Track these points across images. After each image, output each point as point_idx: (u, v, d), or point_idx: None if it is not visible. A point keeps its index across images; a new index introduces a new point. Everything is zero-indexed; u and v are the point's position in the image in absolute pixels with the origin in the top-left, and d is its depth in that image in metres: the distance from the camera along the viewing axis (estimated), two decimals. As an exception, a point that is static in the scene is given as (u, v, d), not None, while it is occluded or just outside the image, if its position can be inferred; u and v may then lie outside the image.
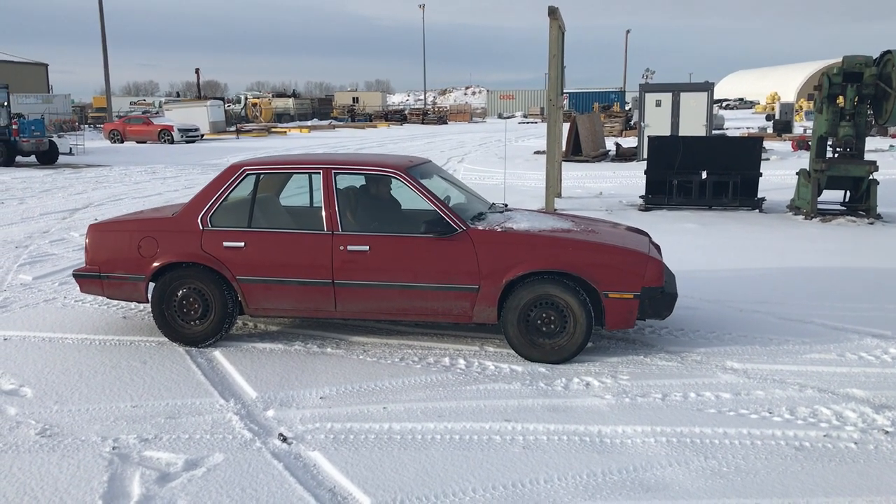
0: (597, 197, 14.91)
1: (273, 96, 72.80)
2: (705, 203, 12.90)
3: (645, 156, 17.18)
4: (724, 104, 73.82)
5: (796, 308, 6.67)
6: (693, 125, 20.80)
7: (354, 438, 4.22)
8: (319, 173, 5.83)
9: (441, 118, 63.13)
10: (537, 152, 25.26)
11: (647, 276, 5.33)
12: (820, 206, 12.00)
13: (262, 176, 5.98)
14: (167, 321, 5.85)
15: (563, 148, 22.70)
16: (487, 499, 3.57)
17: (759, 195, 12.93)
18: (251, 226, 5.79)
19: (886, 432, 4.20)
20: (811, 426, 4.30)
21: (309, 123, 57.51)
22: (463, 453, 4.03)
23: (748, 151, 12.98)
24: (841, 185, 12.02)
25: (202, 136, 39.10)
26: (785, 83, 77.82)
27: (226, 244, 5.72)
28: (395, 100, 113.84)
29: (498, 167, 21.37)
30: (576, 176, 18.54)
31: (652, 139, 13.48)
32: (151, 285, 5.95)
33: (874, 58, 11.48)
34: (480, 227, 5.57)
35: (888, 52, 11.17)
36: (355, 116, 66.51)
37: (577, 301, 5.31)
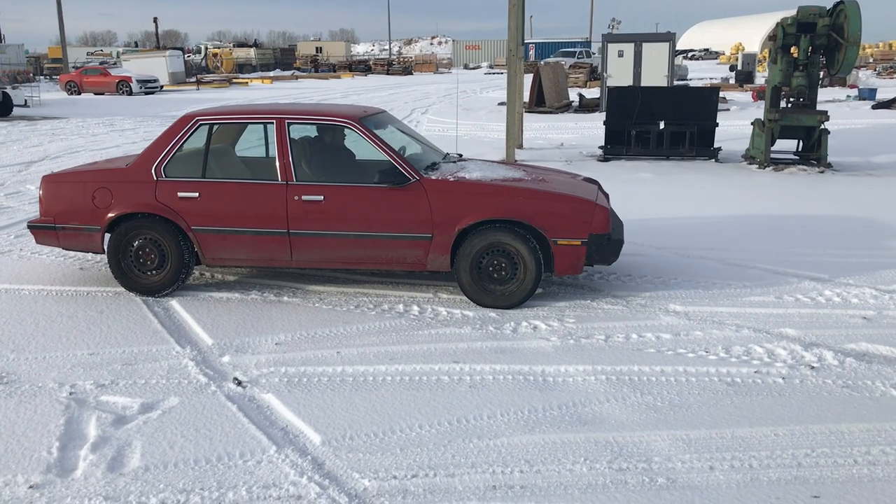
0: (558, 148, 15.02)
1: (234, 46, 71.36)
2: (663, 153, 13.09)
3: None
4: (690, 55, 73.92)
5: (741, 254, 6.90)
6: (655, 76, 20.89)
7: (308, 381, 4.36)
8: (273, 123, 5.84)
9: (406, 69, 62.47)
10: (501, 104, 25.23)
11: (593, 223, 5.48)
12: (773, 156, 12.24)
13: (215, 126, 5.98)
14: (124, 271, 5.89)
15: (527, 99, 22.73)
16: (433, 434, 3.74)
17: (717, 145, 13.14)
18: (205, 176, 5.80)
19: (812, 368, 4.44)
20: (744, 363, 4.53)
21: (271, 74, 56.61)
22: (412, 393, 4.19)
23: (705, 102, 13.14)
24: (794, 135, 12.26)
25: (161, 87, 38.35)
26: (750, 34, 78.03)
27: (180, 194, 5.74)
28: (360, 50, 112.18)
29: (462, 119, 21.36)
30: (538, 127, 18.60)
31: (611, 90, 13.58)
32: (108, 236, 5.98)
33: (828, 8, 11.62)
34: (433, 177, 5.65)
35: (841, 2, 11.31)
36: (318, 67, 65.55)
37: (526, 248, 5.45)
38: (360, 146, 5.99)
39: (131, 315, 5.49)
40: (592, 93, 27.69)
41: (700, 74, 40.87)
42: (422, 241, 5.58)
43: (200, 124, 5.93)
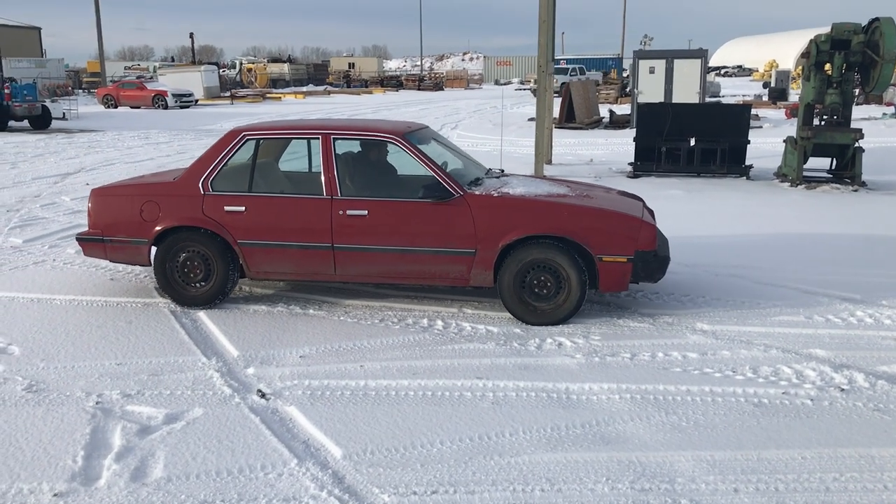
0: (587, 164, 14.97)
1: (268, 61, 72.30)
2: (693, 170, 12.98)
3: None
4: (723, 71, 73.38)
5: (772, 273, 6.81)
6: (687, 92, 20.76)
7: (331, 395, 4.37)
8: (318, 138, 5.89)
9: (437, 84, 62.81)
10: (531, 119, 25.23)
11: (640, 240, 5.45)
12: (806, 174, 12.09)
13: (261, 141, 6.06)
14: (170, 284, 5.97)
15: (557, 115, 22.72)
16: (454, 450, 3.72)
17: (748, 162, 13.01)
18: (251, 190, 5.88)
19: (842, 390, 4.36)
20: (771, 384, 4.45)
21: (304, 89, 57.21)
22: (434, 408, 4.18)
23: (736, 119, 13.03)
24: (827, 153, 12.10)
25: (196, 101, 38.92)
26: (784, 50, 77.24)
27: (227, 208, 5.82)
28: (392, 66, 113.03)
29: (491, 134, 21.39)
30: (568, 143, 18.57)
31: (641, 106, 13.53)
32: (153, 248, 6.04)
33: (863, 25, 11.49)
34: (477, 192, 5.66)
35: (876, 19, 11.18)
36: (351, 82, 66.14)
37: (571, 264, 5.43)
38: (401, 161, 6.04)
39: (159, 326, 5.56)
40: (623, 109, 27.58)
41: (733, 91, 40.55)
42: (465, 257, 5.58)
43: (247, 139, 6.01)
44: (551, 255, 5.45)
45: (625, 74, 45.94)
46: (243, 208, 5.81)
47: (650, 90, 20.96)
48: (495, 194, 5.67)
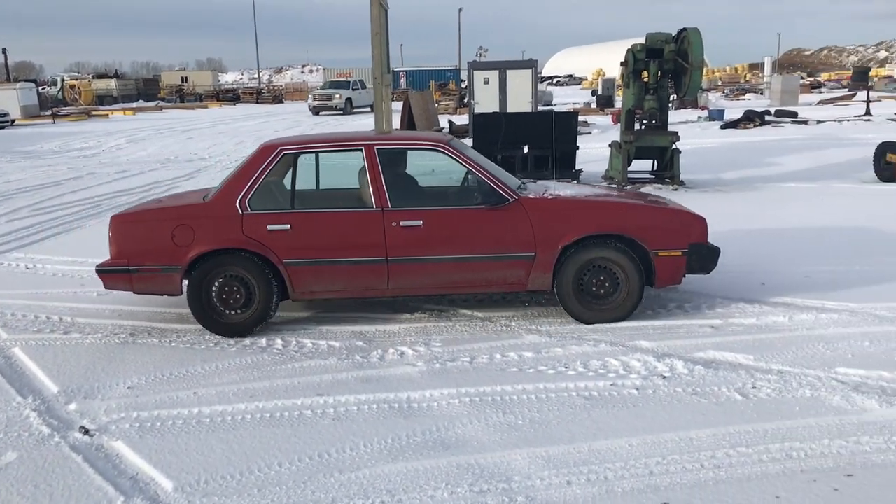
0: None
1: (94, 77, 68.37)
2: (528, 176, 13.40)
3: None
4: (555, 80, 76.73)
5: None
6: (520, 101, 21.47)
7: (161, 426, 4.16)
8: (361, 150, 5.71)
9: (277, 97, 61.64)
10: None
11: (693, 233, 5.67)
12: (630, 175, 12.79)
13: (298, 156, 5.82)
14: (206, 312, 5.58)
15: (399, 126, 22.89)
16: (293, 471, 3.64)
17: (578, 167, 13.62)
18: (294, 207, 5.62)
19: (664, 377, 4.63)
20: (601, 377, 4.66)
21: (134, 105, 54.50)
22: (272, 430, 4.07)
23: (565, 126, 13.61)
24: (648, 155, 12.87)
25: (13, 121, 36.15)
26: (610, 59, 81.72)
27: (270, 227, 5.50)
28: (229, 79, 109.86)
29: (333, 146, 21.23)
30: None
31: (476, 116, 13.91)
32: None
33: (673, 35, 12.32)
34: (531, 196, 5.66)
35: (684, 29, 12.02)
36: (184, 97, 63.68)
37: (629, 262, 5.54)
38: (430, 168, 6.07)
39: (-33, 366, 5.09)
40: (462, 119, 28.18)
41: (564, 99, 42.48)
42: (524, 261, 5.56)
43: (284, 154, 5.75)
44: (609, 253, 5.54)
45: (463, 85, 46.99)
46: (288, 226, 5.52)
47: (486, 100, 21.53)
48: (549, 196, 5.71)
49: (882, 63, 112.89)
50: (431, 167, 6.03)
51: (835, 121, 24.20)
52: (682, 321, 5.69)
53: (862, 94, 30.87)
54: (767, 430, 3.90)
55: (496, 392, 4.49)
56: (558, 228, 5.54)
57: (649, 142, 12.48)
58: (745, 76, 66.10)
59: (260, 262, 5.53)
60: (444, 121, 25.92)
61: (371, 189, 5.59)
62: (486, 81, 21.56)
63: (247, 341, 5.47)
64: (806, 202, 10.48)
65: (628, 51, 12.49)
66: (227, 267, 5.54)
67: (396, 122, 22.71)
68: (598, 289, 5.63)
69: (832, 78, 63.43)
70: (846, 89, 44.27)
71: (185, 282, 5.61)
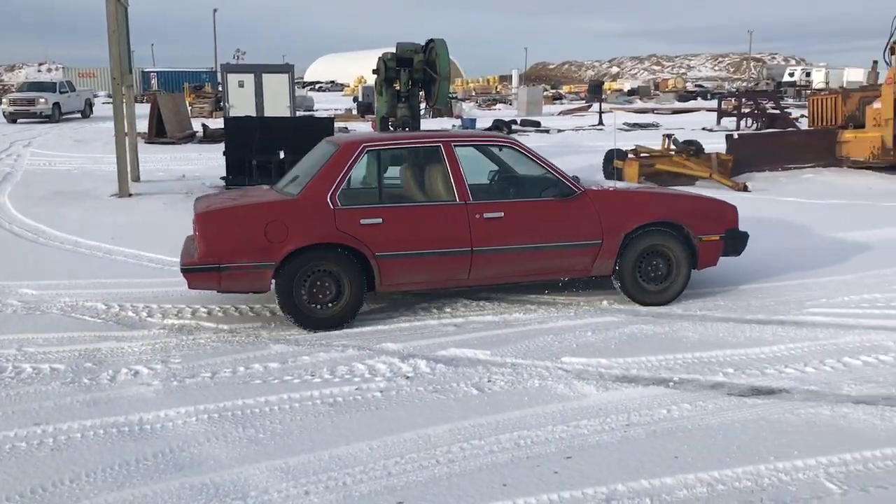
0: (179, 180, 14.46)
1: None
2: (285, 182, 13.23)
3: (229, 137, 17.06)
4: (317, 86, 76.54)
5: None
6: (278, 106, 21.11)
7: None
8: (439, 146, 5.97)
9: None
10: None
11: (728, 219, 6.39)
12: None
13: (381, 152, 5.99)
14: (298, 307, 5.59)
15: (147, 130, 21.63)
16: (-2, 513, 3.27)
17: (335, 172, 13.63)
18: (383, 202, 5.82)
19: (408, 378, 4.74)
20: (346, 382, 4.67)
21: None
22: (-24, 469, 3.63)
23: (322, 131, 13.55)
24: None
25: None
26: (371, 66, 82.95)
27: (363, 221, 5.63)
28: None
29: (74, 151, 19.65)
30: (159, 159, 17.74)
31: (228, 121, 13.46)
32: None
33: (422, 45, 12.72)
34: (594, 188, 6.24)
35: (432, 40, 12.46)
36: None
37: (680, 247, 6.14)
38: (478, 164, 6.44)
39: None
40: (218, 123, 27.18)
41: (326, 105, 42.42)
42: (592, 248, 6.04)
43: (367, 150, 5.90)
44: (664, 240, 6.13)
45: (220, 88, 45.43)
46: (380, 220, 5.67)
47: (242, 104, 20.90)
48: (610, 188, 6.37)
49: (614, 77, 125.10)
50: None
51: (573, 130, 26.41)
52: (428, 321, 5.87)
53: (596, 106, 33.90)
54: (500, 421, 4.12)
55: (237, 406, 4.34)
56: (621, 217, 6.08)
57: (402, 148, 12.76)
58: (496, 87, 70.11)
59: (351, 255, 5.62)
60: (197, 124, 24.85)
61: (454, 183, 5.88)
62: (241, 84, 20.95)
63: (-48, 370, 4.84)
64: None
65: (379, 59, 12.73)
66: (318, 262, 5.62)
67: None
68: (654, 272, 6.19)
69: (572, 90, 69.18)
70: (584, 101, 48.40)
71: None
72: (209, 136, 22.28)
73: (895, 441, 3.81)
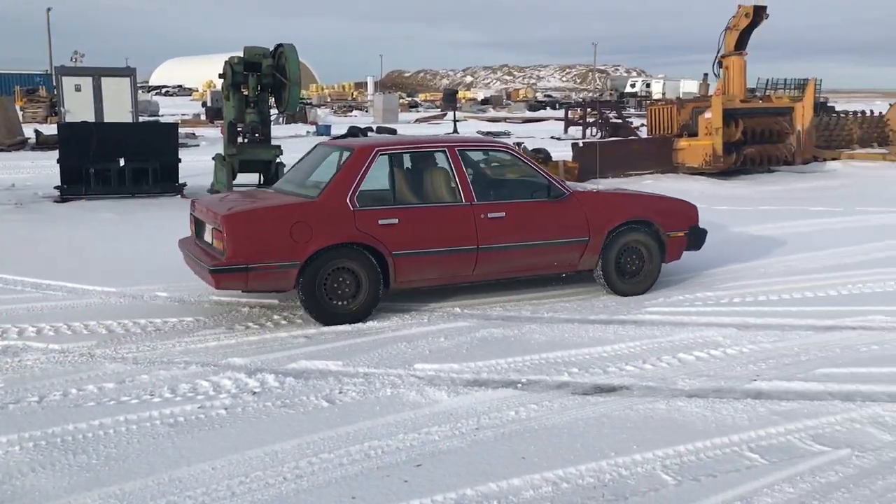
0: (8, 189, 13.41)
1: None
2: (127, 191, 12.58)
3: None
4: (164, 90, 73.51)
5: (187, 287, 6.82)
6: (120, 111, 20.11)
7: None
8: (445, 151, 6.40)
9: None
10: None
11: (692, 217, 7.06)
12: (237, 188, 12.63)
13: (393, 156, 6.35)
14: (320, 304, 5.83)
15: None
16: None
17: (182, 181, 13.10)
18: (397, 203, 6.16)
19: (255, 393, 4.58)
20: (188, 401, 4.46)
21: None
22: None
23: (166, 137, 13.04)
24: (254, 168, 12.81)
25: None
26: (219, 70, 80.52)
27: (381, 222, 5.93)
28: None
29: None
30: (-15, 167, 16.42)
31: (61, 127, 12.68)
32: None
33: (270, 50, 12.43)
34: (579, 189, 6.91)
35: (280, 45, 12.21)
36: None
37: (654, 242, 6.76)
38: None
39: None
40: (52, 129, 25.52)
41: (173, 110, 40.82)
42: (580, 245, 6.56)
43: (380, 154, 6.21)
44: (641, 237, 6.72)
45: (55, 92, 42.70)
46: (396, 220, 5.99)
47: (80, 109, 19.75)
48: (593, 190, 7.10)
49: (468, 87, 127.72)
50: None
51: (428, 137, 26.60)
52: (277, 334, 5.72)
53: (451, 115, 34.43)
54: (350, 432, 4.05)
55: (68, 432, 4.04)
56: (605, 216, 6.61)
57: (253, 155, 12.46)
58: (352, 94, 69.87)
59: (370, 254, 5.85)
60: (30, 130, 23.21)
61: (459, 185, 6.25)
62: (78, 88, 19.86)
63: None
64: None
65: (226, 63, 12.36)
66: (339, 260, 5.83)
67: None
68: (631, 266, 6.73)
69: (428, 98, 70.03)
70: (439, 109, 49.10)
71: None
72: (42, 143, 20.86)
73: (723, 431, 4.05)
